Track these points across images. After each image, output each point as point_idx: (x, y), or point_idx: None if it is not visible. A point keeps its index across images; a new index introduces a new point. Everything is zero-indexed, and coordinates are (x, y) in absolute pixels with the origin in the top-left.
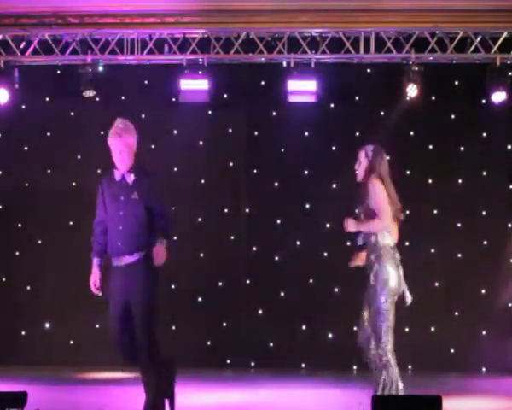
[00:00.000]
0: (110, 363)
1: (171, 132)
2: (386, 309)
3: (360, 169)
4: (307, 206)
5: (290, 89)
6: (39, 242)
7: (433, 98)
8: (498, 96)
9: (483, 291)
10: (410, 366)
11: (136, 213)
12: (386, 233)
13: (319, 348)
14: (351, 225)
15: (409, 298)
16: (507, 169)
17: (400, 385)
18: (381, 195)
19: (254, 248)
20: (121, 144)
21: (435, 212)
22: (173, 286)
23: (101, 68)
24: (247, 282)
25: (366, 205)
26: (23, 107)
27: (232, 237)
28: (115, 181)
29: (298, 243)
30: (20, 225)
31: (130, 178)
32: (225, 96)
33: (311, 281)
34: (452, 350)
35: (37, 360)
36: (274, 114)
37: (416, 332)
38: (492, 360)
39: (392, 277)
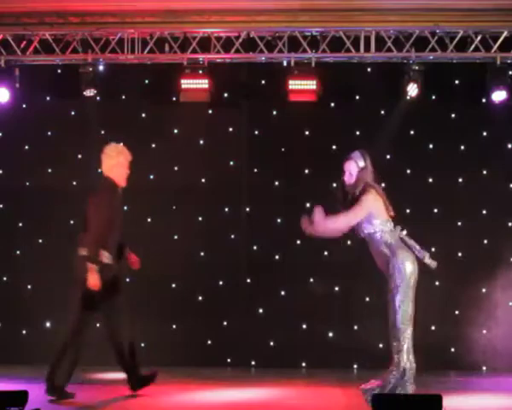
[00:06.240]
0: (110, 363)
1: (172, 132)
2: (402, 299)
3: (350, 179)
4: (307, 205)
5: (290, 88)
6: (39, 241)
7: (433, 97)
8: (498, 96)
9: (483, 290)
10: None
11: None
12: (388, 231)
13: (319, 348)
14: (317, 216)
15: (432, 263)
16: (507, 169)
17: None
18: (367, 204)
19: (254, 248)
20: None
21: (435, 211)
22: (173, 286)
23: (101, 68)
24: (248, 281)
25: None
26: (24, 106)
27: (232, 237)
28: (119, 194)
29: (298, 242)
30: (20, 224)
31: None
32: (226, 95)
33: (311, 281)
34: (452, 350)
35: (37, 359)
36: (274, 113)
37: (415, 332)
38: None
39: (406, 262)
